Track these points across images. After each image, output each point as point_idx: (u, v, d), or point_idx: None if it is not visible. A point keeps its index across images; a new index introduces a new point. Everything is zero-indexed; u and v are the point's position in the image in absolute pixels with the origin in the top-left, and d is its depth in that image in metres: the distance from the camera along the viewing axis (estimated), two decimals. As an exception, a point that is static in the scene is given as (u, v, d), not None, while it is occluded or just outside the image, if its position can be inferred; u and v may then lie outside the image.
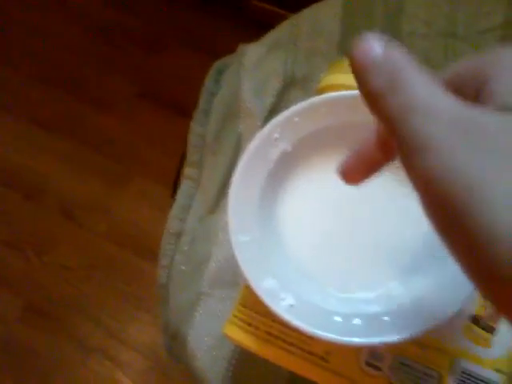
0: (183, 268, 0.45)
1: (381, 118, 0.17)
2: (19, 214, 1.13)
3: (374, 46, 0.17)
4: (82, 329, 1.04)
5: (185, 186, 0.47)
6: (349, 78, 0.41)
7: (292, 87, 0.48)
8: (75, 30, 1.25)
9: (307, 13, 0.51)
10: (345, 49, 0.49)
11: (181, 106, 1.16)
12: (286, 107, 0.48)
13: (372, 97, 0.17)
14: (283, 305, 0.31)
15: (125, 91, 1.18)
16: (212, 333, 0.43)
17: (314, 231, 0.34)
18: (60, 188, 1.13)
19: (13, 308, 1.05)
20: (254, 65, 0.49)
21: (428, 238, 0.34)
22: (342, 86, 0.41)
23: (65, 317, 1.05)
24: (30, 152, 1.17)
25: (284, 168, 0.35)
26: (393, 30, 0.50)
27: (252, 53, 0.50)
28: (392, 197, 0.34)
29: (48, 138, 1.17)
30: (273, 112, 0.48)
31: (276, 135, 0.35)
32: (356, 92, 0.37)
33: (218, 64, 0.50)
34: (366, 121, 0.35)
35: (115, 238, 1.10)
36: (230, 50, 1.22)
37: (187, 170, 0.48)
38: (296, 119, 0.35)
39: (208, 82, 0.50)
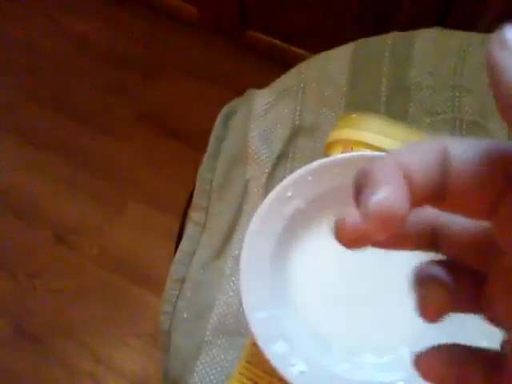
0: (186, 315, 0.45)
1: None
2: (11, 236, 1.11)
3: None
4: (70, 354, 1.02)
5: (190, 231, 0.47)
6: (359, 135, 0.41)
7: (300, 135, 0.49)
8: (74, 52, 1.25)
9: (316, 61, 0.52)
10: (352, 99, 0.49)
11: (179, 132, 1.16)
12: (294, 155, 0.49)
13: None
14: (294, 371, 0.31)
15: (123, 115, 1.18)
16: (214, 382, 0.43)
17: (326, 294, 0.34)
18: (54, 210, 1.12)
19: (0, 331, 1.04)
20: (263, 111, 0.50)
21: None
22: (352, 142, 0.41)
23: (53, 341, 1.03)
24: (26, 173, 1.16)
25: (297, 226, 0.35)
26: (400, 82, 0.51)
27: (260, 99, 0.50)
28: (407, 264, 0.35)
29: (45, 160, 1.16)
30: (280, 159, 0.48)
31: (289, 193, 0.35)
32: (367, 153, 0.37)
33: (226, 109, 0.51)
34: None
35: (107, 262, 1.09)
36: (228, 77, 1.23)
37: (193, 215, 0.48)
38: (310, 178, 0.35)
39: (216, 127, 0.50)
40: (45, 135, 1.18)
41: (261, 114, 0.50)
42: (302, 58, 0.63)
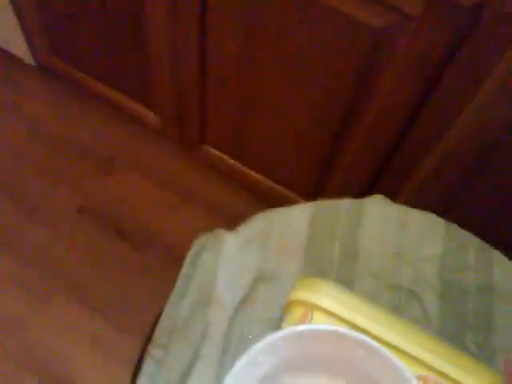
0: None
1: None
2: None
3: None
4: None
5: (148, 367, 0.49)
6: (317, 299, 0.46)
7: (262, 282, 0.53)
8: (25, 137, 1.25)
9: (280, 213, 0.58)
10: (310, 253, 0.55)
11: (119, 229, 1.17)
12: (255, 301, 0.53)
13: None
14: None
15: (65, 205, 1.17)
16: None
17: None
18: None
19: None
20: (230, 256, 0.54)
21: None
22: (311, 305, 0.46)
23: None
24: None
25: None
26: (351, 244, 0.57)
27: (229, 242, 0.55)
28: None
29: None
30: (243, 303, 0.52)
31: (260, 358, 0.39)
32: (334, 328, 0.42)
33: (196, 246, 0.55)
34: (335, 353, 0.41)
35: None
36: (177, 182, 1.25)
37: (153, 351, 0.49)
38: (279, 344, 0.39)
39: (185, 265, 0.53)
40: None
41: (229, 259, 0.54)
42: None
